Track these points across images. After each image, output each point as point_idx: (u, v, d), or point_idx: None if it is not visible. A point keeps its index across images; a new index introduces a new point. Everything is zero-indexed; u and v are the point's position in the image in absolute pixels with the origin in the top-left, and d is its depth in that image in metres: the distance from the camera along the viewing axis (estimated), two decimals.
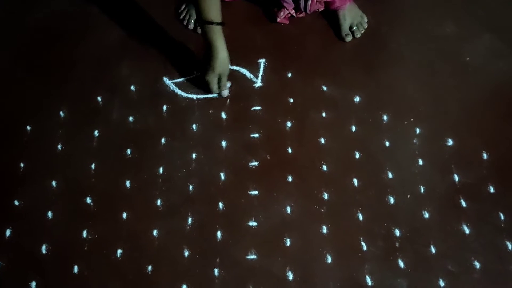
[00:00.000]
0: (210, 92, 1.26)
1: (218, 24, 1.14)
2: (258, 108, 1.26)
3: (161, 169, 1.17)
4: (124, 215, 1.12)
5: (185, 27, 1.39)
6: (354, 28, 1.34)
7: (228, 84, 1.26)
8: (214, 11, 1.13)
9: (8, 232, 1.11)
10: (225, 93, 1.26)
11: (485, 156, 1.18)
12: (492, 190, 1.13)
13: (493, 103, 1.26)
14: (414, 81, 1.29)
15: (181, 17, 1.40)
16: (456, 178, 1.15)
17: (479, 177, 1.15)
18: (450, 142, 1.19)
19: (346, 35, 1.34)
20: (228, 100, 1.27)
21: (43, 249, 1.09)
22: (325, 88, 1.27)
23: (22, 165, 1.19)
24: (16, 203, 1.14)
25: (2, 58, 1.38)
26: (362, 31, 1.35)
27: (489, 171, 1.16)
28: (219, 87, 1.24)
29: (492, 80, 1.30)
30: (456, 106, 1.25)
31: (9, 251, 1.09)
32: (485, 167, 1.16)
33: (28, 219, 1.13)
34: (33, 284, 1.05)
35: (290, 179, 1.15)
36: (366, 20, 1.37)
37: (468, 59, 1.32)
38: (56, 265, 1.07)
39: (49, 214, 1.13)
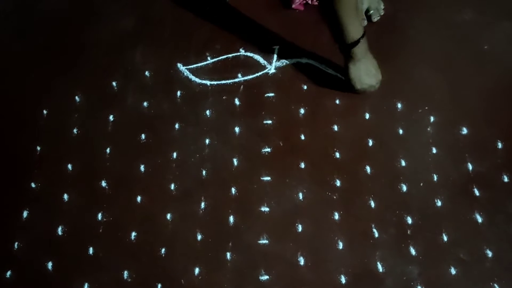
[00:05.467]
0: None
1: (362, 37, 1.07)
2: (271, 94, 1.26)
3: (175, 154, 1.18)
4: (139, 198, 1.13)
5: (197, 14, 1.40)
6: (371, 12, 1.32)
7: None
8: (358, 26, 1.06)
9: (25, 214, 1.14)
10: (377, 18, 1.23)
11: (499, 145, 1.16)
12: (506, 179, 1.12)
13: (509, 92, 1.24)
14: (430, 69, 1.27)
15: None
16: (470, 167, 1.14)
17: (493, 166, 1.14)
18: (465, 130, 1.18)
19: (362, 19, 1.32)
20: (242, 87, 1.27)
21: (59, 230, 1.11)
22: (339, 75, 1.27)
23: (38, 148, 1.22)
24: (33, 185, 1.17)
25: (18, 43, 1.40)
26: (378, 17, 1.34)
27: (504, 160, 1.14)
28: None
29: (509, 69, 1.28)
30: (471, 94, 1.24)
31: (26, 232, 1.12)
32: (500, 156, 1.15)
33: (44, 201, 1.15)
34: (49, 264, 1.08)
35: (302, 165, 1.16)
36: (382, 7, 1.35)
37: (486, 47, 1.30)
38: (72, 247, 1.10)
39: (65, 196, 1.15)
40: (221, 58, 1.31)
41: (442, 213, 1.09)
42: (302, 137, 1.19)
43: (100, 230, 1.11)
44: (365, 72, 1.14)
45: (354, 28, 1.05)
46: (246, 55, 1.31)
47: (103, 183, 1.16)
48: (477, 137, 1.17)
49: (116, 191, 1.15)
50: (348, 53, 1.10)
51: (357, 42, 1.07)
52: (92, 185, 1.16)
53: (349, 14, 1.03)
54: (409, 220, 1.08)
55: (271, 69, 1.29)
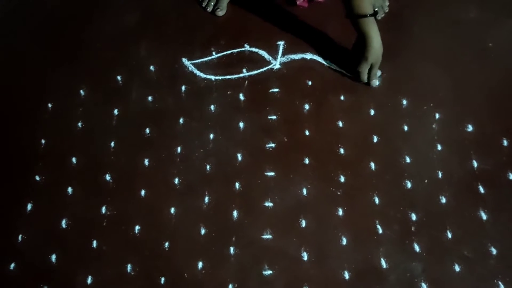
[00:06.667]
0: (359, 80, 1.23)
1: (371, 15, 1.12)
2: (276, 90, 1.25)
3: (179, 149, 1.18)
4: (143, 192, 1.13)
5: (203, 9, 1.40)
6: (376, 9, 1.32)
7: (379, 73, 1.24)
8: (367, 3, 1.11)
9: (29, 206, 1.14)
10: (375, 83, 1.23)
11: (505, 142, 1.16)
12: (511, 177, 1.12)
13: None
14: (435, 66, 1.27)
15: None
16: (475, 164, 1.13)
17: (498, 164, 1.13)
18: (470, 128, 1.18)
19: None
20: (247, 82, 1.27)
21: (63, 223, 1.11)
22: (344, 71, 1.26)
23: (43, 141, 1.22)
24: (37, 178, 1.17)
25: (23, 37, 1.40)
26: (383, 15, 1.34)
27: (509, 158, 1.14)
28: (370, 76, 1.22)
29: None
30: (476, 92, 1.23)
31: (30, 225, 1.12)
32: (505, 153, 1.15)
33: (48, 194, 1.15)
34: (53, 256, 1.08)
35: (306, 161, 1.16)
36: (387, 4, 1.35)
37: (490, 44, 1.30)
38: (76, 240, 1.10)
39: (69, 189, 1.15)
40: (226, 53, 1.31)
41: (446, 210, 1.09)
42: (307, 133, 1.19)
43: (104, 224, 1.11)
44: (374, 50, 1.16)
45: (366, 4, 1.11)
46: (251, 51, 1.31)
47: (107, 177, 1.16)
48: (482, 134, 1.17)
49: (120, 185, 1.15)
50: (356, 25, 1.14)
51: (365, 15, 1.11)
52: (96, 178, 1.16)
53: None
54: (413, 217, 1.08)
55: (276, 64, 1.29)
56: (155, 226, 1.10)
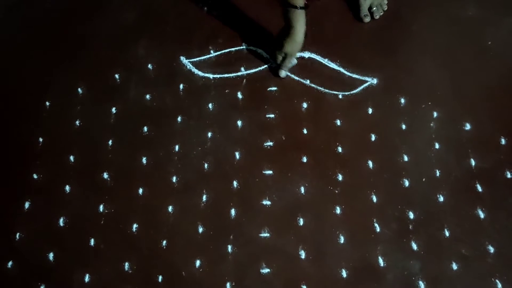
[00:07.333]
0: (274, 60, 1.27)
1: (302, 8, 1.13)
2: (274, 88, 1.25)
3: (177, 147, 1.18)
4: (140, 191, 1.13)
5: (201, 8, 1.39)
6: (374, 9, 1.32)
7: (294, 61, 1.26)
8: None
9: (27, 205, 1.14)
10: (283, 73, 1.25)
11: (503, 141, 1.16)
12: (509, 175, 1.12)
13: None
14: (433, 64, 1.27)
15: None
16: (473, 162, 1.14)
17: (496, 162, 1.14)
18: (468, 126, 1.18)
19: (365, 15, 1.32)
20: (245, 80, 1.27)
21: (61, 221, 1.11)
22: (342, 70, 1.26)
23: (41, 140, 1.21)
24: (35, 176, 1.17)
25: (21, 35, 1.40)
26: (381, 13, 1.34)
27: (507, 157, 1.14)
28: (281, 64, 1.24)
29: None
30: (475, 90, 1.23)
31: (27, 223, 1.12)
32: (503, 152, 1.15)
33: (46, 193, 1.15)
34: (51, 255, 1.08)
35: (305, 159, 1.16)
36: (386, 2, 1.35)
37: (489, 43, 1.30)
38: (73, 238, 1.10)
39: (67, 188, 1.15)
40: (224, 52, 1.31)
41: (444, 209, 1.09)
42: (305, 132, 1.19)
43: (102, 222, 1.11)
44: (294, 43, 1.18)
45: None
46: (249, 49, 1.30)
47: (105, 175, 1.16)
48: (480, 133, 1.17)
49: (118, 183, 1.15)
50: (286, 13, 1.14)
51: (295, 6, 1.11)
52: (94, 177, 1.16)
53: None
54: (411, 215, 1.08)
55: (274, 63, 1.28)
56: (153, 225, 1.10)
